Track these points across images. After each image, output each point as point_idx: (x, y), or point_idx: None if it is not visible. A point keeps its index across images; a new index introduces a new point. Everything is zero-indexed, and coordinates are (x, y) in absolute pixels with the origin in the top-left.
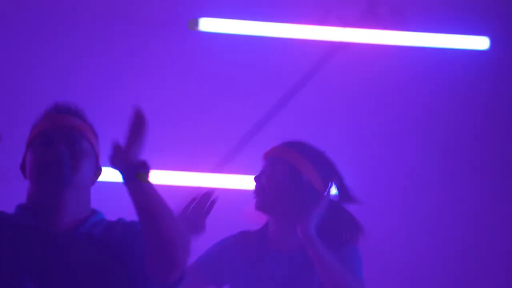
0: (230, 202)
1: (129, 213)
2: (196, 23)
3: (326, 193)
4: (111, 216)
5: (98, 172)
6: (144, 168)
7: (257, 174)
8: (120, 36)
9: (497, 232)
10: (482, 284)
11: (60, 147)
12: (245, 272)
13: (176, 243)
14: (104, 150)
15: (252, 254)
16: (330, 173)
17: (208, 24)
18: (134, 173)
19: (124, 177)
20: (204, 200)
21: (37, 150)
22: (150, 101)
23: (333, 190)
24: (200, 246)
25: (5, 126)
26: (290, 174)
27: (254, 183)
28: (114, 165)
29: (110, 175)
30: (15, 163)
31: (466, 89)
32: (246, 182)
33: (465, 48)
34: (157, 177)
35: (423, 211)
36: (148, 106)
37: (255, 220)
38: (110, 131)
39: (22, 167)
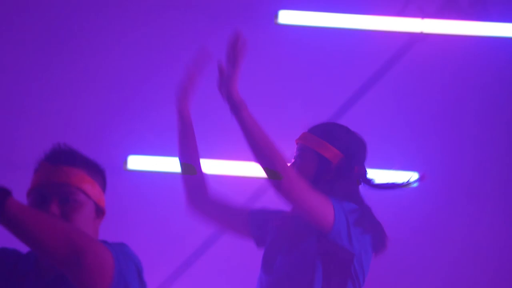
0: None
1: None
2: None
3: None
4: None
5: (100, 213)
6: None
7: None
8: (197, 30)
9: None
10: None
11: (50, 208)
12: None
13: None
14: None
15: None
16: (359, 156)
17: (286, 17)
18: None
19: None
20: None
21: (32, 206)
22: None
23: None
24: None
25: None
26: (319, 165)
27: None
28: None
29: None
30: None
31: None
32: None
33: None
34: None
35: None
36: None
37: None
38: None
39: None
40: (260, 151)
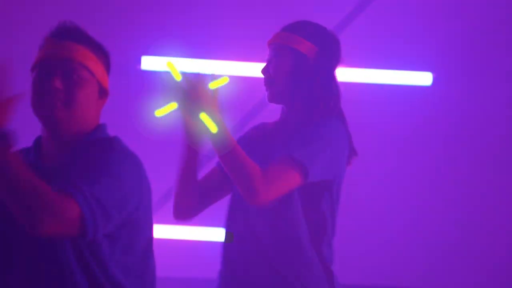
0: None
1: None
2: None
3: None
4: None
5: (103, 93)
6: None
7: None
8: None
9: None
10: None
11: (54, 82)
12: None
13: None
14: None
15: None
16: (334, 50)
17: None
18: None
19: None
20: None
21: (35, 80)
22: None
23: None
24: None
25: None
26: (296, 60)
27: (263, 76)
28: None
29: None
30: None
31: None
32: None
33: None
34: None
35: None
36: None
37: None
38: None
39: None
40: None
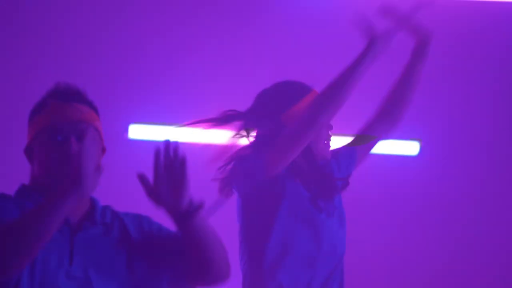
0: None
1: None
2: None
3: None
4: None
5: (103, 151)
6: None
7: None
8: None
9: None
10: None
11: (71, 145)
12: None
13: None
14: None
15: None
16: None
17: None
18: (190, 218)
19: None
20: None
21: (47, 144)
22: None
23: None
24: None
25: None
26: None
27: None
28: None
29: None
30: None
31: None
32: None
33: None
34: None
35: None
36: None
37: None
38: None
39: (27, 152)
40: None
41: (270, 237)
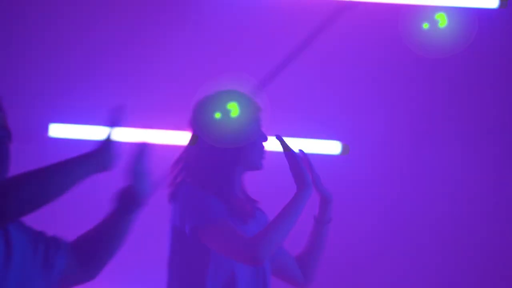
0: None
1: None
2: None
3: None
4: None
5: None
6: None
7: None
8: None
9: None
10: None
11: None
12: None
13: None
14: None
15: None
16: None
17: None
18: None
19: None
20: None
21: None
22: None
23: None
24: None
25: None
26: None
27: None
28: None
29: None
30: None
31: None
32: None
33: (476, 6)
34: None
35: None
36: None
37: None
38: None
39: None
40: None
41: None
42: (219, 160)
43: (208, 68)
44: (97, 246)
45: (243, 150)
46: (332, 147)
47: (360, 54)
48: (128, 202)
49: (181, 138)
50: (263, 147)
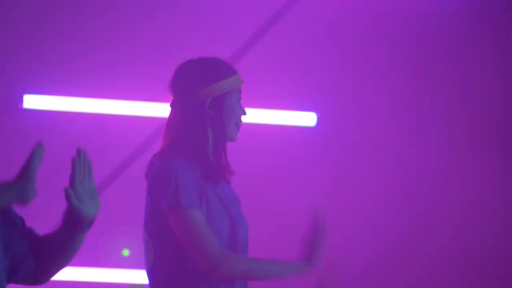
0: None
1: None
2: None
3: None
4: None
5: None
6: None
7: None
8: None
9: None
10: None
11: None
12: None
13: None
14: None
15: None
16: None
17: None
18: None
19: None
20: None
21: None
22: None
23: None
24: None
25: None
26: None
27: None
28: None
29: None
30: None
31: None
32: None
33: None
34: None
35: None
36: None
37: None
38: None
39: None
40: None
41: None
42: (196, 125)
43: (183, 40)
44: (49, 253)
45: (221, 119)
46: (307, 118)
47: (335, 24)
48: (75, 222)
49: (162, 109)
50: (240, 120)
